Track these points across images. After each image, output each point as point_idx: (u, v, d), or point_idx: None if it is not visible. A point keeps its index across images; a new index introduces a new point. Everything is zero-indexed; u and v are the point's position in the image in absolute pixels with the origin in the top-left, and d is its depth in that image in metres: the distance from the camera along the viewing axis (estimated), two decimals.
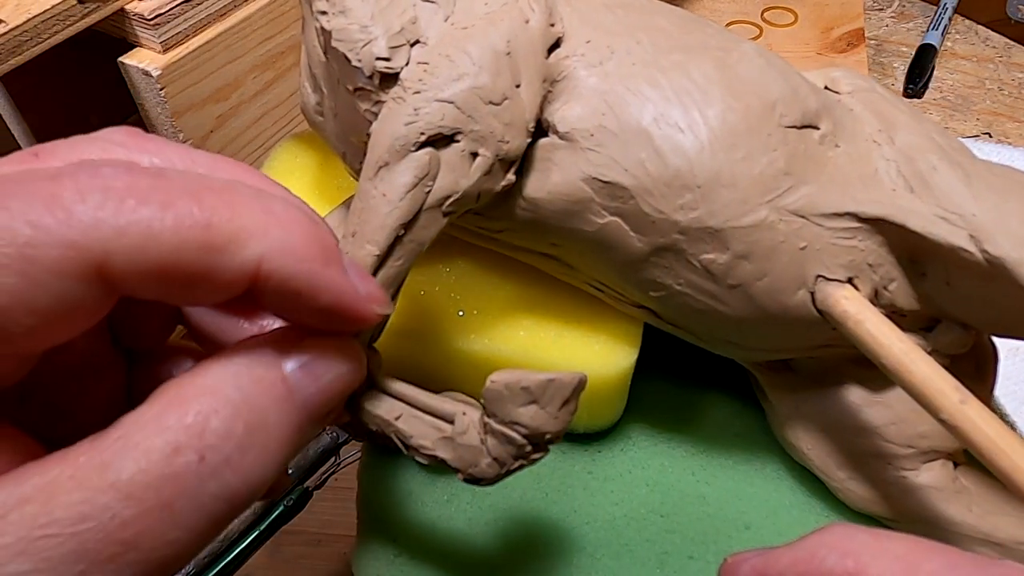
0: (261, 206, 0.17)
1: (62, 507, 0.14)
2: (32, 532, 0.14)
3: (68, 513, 0.14)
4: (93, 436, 0.15)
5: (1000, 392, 0.30)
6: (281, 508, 0.39)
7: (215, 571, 0.37)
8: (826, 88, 0.28)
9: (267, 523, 0.39)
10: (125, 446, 0.15)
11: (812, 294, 0.25)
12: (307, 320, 0.18)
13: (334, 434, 0.41)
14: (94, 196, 0.15)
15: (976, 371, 0.29)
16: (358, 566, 0.29)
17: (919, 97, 0.60)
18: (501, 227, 0.27)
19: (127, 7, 0.40)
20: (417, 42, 0.24)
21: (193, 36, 0.42)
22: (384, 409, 0.22)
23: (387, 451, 0.31)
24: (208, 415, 0.16)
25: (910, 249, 0.25)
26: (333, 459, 0.41)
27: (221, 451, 0.16)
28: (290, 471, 0.40)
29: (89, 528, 0.14)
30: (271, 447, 0.17)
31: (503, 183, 0.24)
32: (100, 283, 0.15)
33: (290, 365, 0.18)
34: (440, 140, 0.23)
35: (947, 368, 0.23)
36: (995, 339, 0.29)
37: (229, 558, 0.37)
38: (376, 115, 0.24)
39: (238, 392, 0.16)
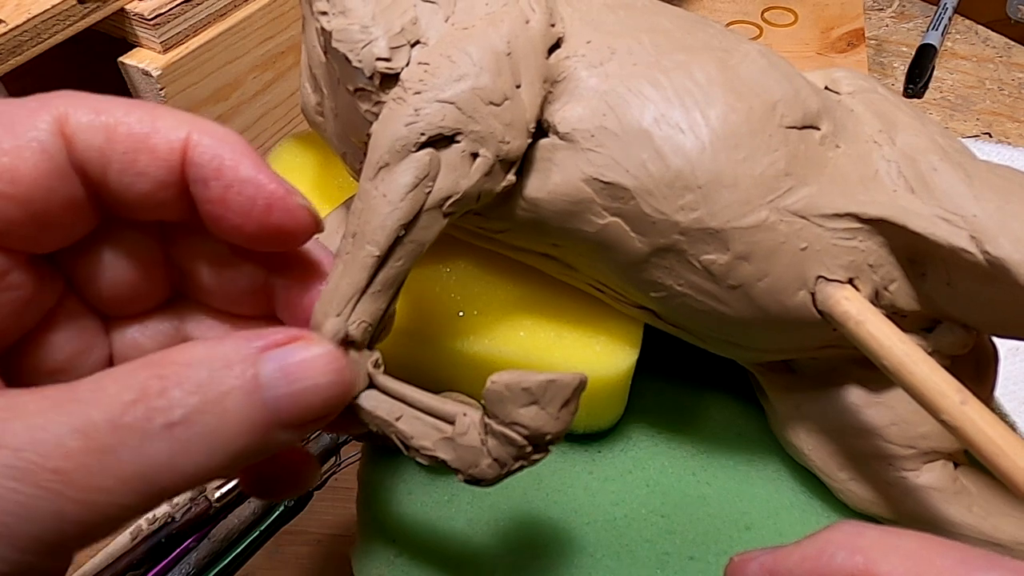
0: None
1: (22, 426, 0.15)
2: None
3: (23, 432, 0.15)
4: (76, 381, 0.17)
5: (1000, 392, 0.30)
6: (281, 508, 0.39)
7: (215, 571, 0.37)
8: (827, 88, 0.28)
9: (267, 523, 0.39)
10: (92, 390, 0.16)
11: (813, 295, 0.25)
12: (239, 223, 0.20)
13: (334, 434, 0.41)
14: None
15: (976, 372, 0.29)
16: (358, 566, 0.29)
17: (919, 97, 0.60)
18: (502, 228, 0.27)
19: (127, 7, 0.40)
20: (418, 42, 0.24)
21: (193, 36, 0.42)
22: (384, 410, 0.22)
23: (387, 451, 0.31)
24: (170, 383, 0.17)
25: (911, 250, 0.25)
26: (333, 459, 0.41)
27: (169, 417, 0.16)
28: None
29: (36, 451, 0.15)
30: (221, 433, 0.17)
31: (504, 184, 0.24)
32: (62, 138, 0.18)
33: (267, 362, 0.18)
34: (441, 141, 0.22)
35: (947, 369, 0.23)
36: (995, 339, 0.29)
37: (229, 558, 0.37)
38: (376, 115, 0.24)
39: (205, 372, 0.17)
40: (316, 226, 0.21)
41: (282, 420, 0.18)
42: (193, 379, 0.17)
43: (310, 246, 0.22)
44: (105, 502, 0.16)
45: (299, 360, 0.18)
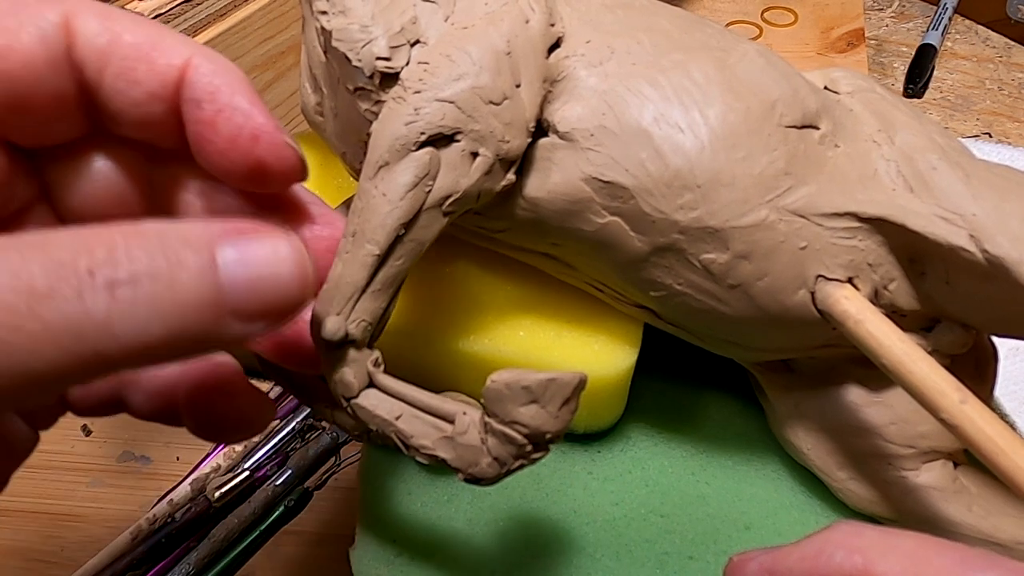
0: None
1: None
2: None
3: None
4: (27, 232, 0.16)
5: (1000, 392, 0.30)
6: (281, 508, 0.39)
7: (215, 571, 0.37)
8: (826, 88, 0.28)
9: (267, 523, 0.39)
10: (36, 240, 0.15)
11: (812, 294, 0.25)
12: (224, 148, 0.20)
13: (334, 434, 0.41)
14: None
15: (976, 371, 0.29)
16: (358, 566, 0.29)
17: (919, 97, 0.60)
18: (501, 227, 0.27)
19: (127, 7, 0.40)
20: (417, 42, 0.24)
21: (193, 36, 0.42)
22: (384, 409, 0.22)
23: (387, 451, 0.31)
24: (119, 245, 0.16)
25: (910, 249, 0.25)
26: (333, 459, 0.41)
27: (112, 275, 0.15)
28: (290, 471, 0.40)
29: None
30: (167, 301, 0.16)
31: (503, 183, 0.24)
32: (64, 33, 0.19)
33: (227, 247, 0.17)
34: (440, 140, 0.23)
35: (947, 368, 0.23)
36: (995, 339, 0.29)
37: (229, 558, 0.37)
38: (376, 115, 0.24)
39: (159, 241, 0.16)
40: (301, 168, 0.21)
41: (235, 307, 0.17)
42: (145, 246, 0.16)
43: (297, 191, 0.22)
44: (29, 350, 0.15)
45: (261, 249, 0.17)
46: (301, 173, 0.21)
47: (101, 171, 0.21)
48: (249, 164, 0.20)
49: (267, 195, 0.22)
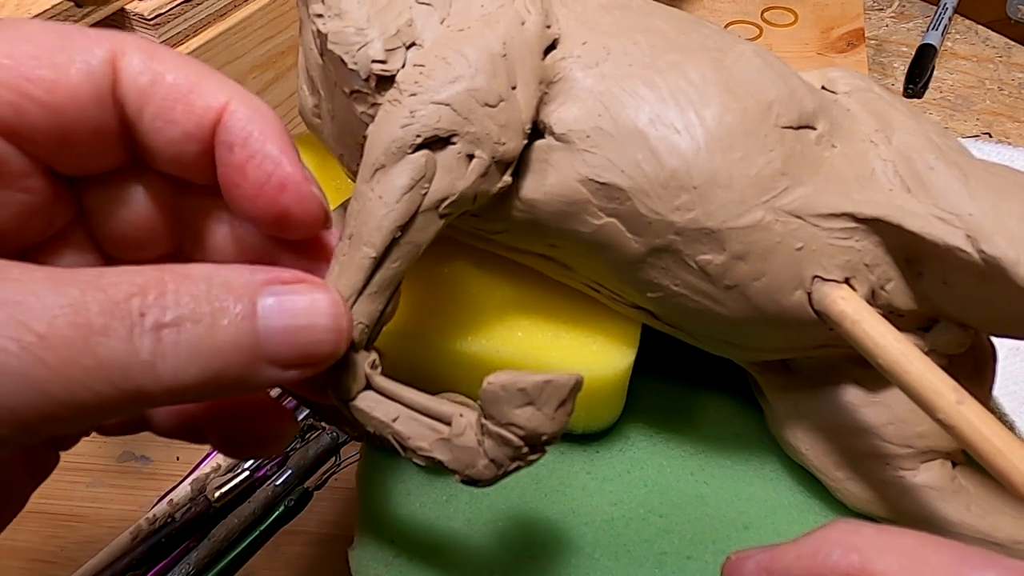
0: None
1: (13, 288, 0.16)
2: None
3: (14, 294, 0.15)
4: (87, 269, 0.17)
5: (999, 392, 0.30)
6: (281, 508, 0.39)
7: (215, 571, 0.37)
8: (823, 88, 0.28)
9: (267, 523, 0.39)
10: (93, 276, 0.16)
11: (809, 294, 0.25)
12: (252, 194, 0.20)
13: (334, 434, 0.41)
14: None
15: (974, 371, 0.29)
16: (357, 566, 0.29)
17: (919, 97, 0.60)
18: (498, 229, 0.27)
19: (127, 7, 0.40)
20: (413, 44, 0.24)
21: (193, 36, 0.42)
22: (381, 411, 0.22)
23: (386, 452, 0.31)
24: (168, 288, 0.17)
25: (907, 249, 0.25)
26: (333, 459, 0.41)
27: (160, 317, 0.16)
28: (289, 471, 0.40)
29: (24, 313, 0.15)
30: (207, 346, 0.17)
31: (499, 185, 0.24)
32: (111, 70, 0.19)
33: (267, 296, 0.18)
34: (436, 142, 0.23)
35: (945, 368, 0.23)
36: (995, 339, 0.29)
37: (229, 558, 0.37)
38: (372, 117, 0.24)
39: (204, 287, 0.17)
40: (324, 218, 0.21)
41: (271, 354, 0.18)
42: (191, 290, 0.17)
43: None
44: (81, 383, 0.16)
45: (299, 299, 0.18)
46: (324, 222, 0.21)
47: (137, 199, 0.22)
48: (274, 212, 0.20)
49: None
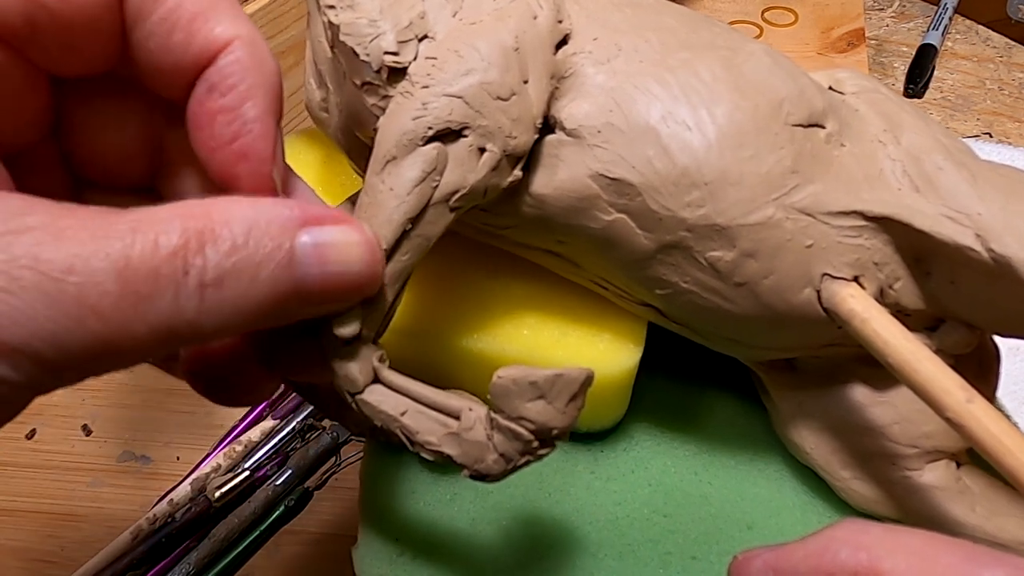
0: None
1: (60, 253, 0.15)
2: (20, 259, 0.15)
3: (60, 259, 0.15)
4: (109, 210, 0.16)
5: (1000, 392, 0.30)
6: (281, 508, 0.39)
7: (215, 571, 0.37)
8: (831, 88, 0.28)
9: (267, 523, 0.38)
10: (134, 230, 0.16)
11: (818, 292, 0.25)
12: (212, 145, 0.20)
13: (334, 434, 0.41)
14: None
15: (980, 371, 0.29)
16: (360, 565, 0.29)
17: (919, 97, 0.60)
18: (507, 224, 0.27)
19: None
20: (425, 37, 0.24)
21: None
22: (390, 405, 0.22)
23: (390, 450, 0.31)
24: (210, 240, 0.17)
25: (916, 248, 0.25)
26: (333, 459, 0.41)
27: (204, 277, 0.16)
28: (290, 471, 0.40)
29: (72, 282, 0.15)
30: (248, 299, 0.17)
31: (510, 179, 0.24)
32: None
33: (304, 237, 0.18)
34: (448, 135, 0.22)
35: (951, 368, 0.23)
36: (996, 339, 0.29)
37: (229, 558, 0.37)
38: (383, 110, 0.24)
39: (243, 235, 0.17)
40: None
41: (306, 296, 0.18)
42: (230, 239, 0.17)
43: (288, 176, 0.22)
44: (130, 345, 0.16)
45: (335, 242, 0.18)
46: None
47: (121, 117, 0.21)
48: (225, 175, 0.20)
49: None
